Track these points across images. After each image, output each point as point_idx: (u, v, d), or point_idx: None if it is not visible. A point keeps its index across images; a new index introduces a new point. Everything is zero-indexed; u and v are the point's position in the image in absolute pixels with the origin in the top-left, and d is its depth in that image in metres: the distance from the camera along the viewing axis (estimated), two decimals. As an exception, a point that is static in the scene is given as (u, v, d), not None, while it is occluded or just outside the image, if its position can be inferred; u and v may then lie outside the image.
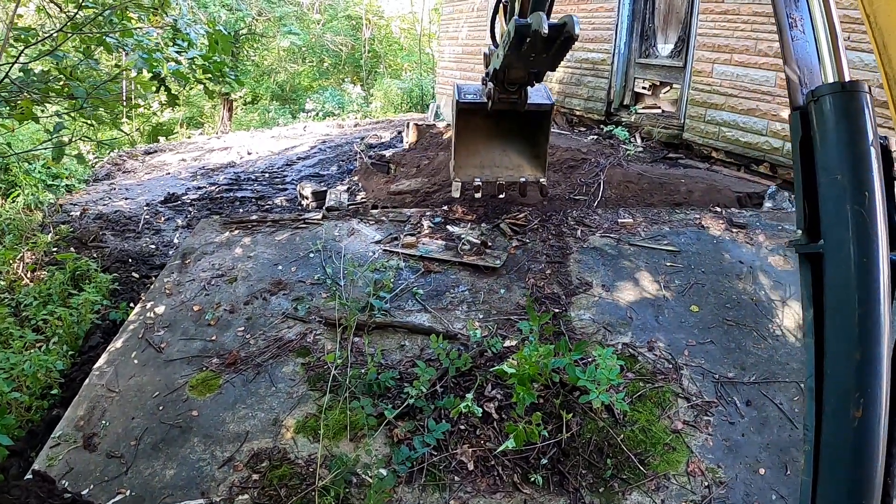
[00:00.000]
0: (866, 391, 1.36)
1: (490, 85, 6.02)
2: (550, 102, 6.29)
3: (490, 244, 5.61)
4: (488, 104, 6.13)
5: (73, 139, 5.03)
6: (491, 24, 5.90)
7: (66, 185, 10.17)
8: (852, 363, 1.39)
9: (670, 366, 4.32)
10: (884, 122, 1.51)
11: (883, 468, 1.37)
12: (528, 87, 6.04)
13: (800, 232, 1.62)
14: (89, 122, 4.71)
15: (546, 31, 4.48)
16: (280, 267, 5.39)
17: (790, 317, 4.74)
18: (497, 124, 6.72)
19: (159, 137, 21.23)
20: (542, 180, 6.42)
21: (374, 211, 6.46)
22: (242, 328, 4.73)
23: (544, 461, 3.65)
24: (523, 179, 6.39)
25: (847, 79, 1.60)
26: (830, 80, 1.63)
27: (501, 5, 5.65)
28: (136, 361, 4.47)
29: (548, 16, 4.70)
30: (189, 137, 19.15)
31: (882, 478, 1.37)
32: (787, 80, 1.73)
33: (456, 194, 6.41)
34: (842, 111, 1.51)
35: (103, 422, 4.00)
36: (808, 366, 1.53)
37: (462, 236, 5.68)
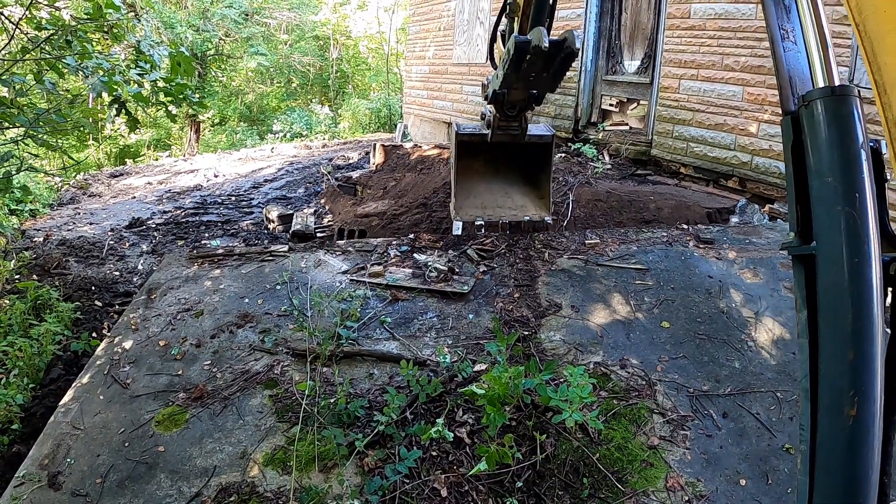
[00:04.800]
0: (860, 389, 1.38)
1: (489, 114, 6.03)
2: (551, 134, 6.30)
3: (457, 270, 5.58)
4: (488, 135, 6.12)
5: (21, 169, 4.90)
6: (489, 48, 5.93)
7: (30, 210, 9.97)
8: (846, 362, 1.41)
9: (643, 382, 4.30)
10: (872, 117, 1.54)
11: (879, 466, 1.38)
12: (529, 123, 6.08)
13: (792, 234, 1.65)
14: (31, 151, 4.59)
15: (546, 46, 4.49)
16: (247, 300, 5.31)
17: (762, 328, 4.75)
18: (497, 160, 6.69)
19: (126, 160, 20.98)
20: (547, 219, 6.34)
21: (341, 242, 6.40)
22: (209, 362, 4.63)
23: (519, 484, 3.60)
24: (527, 218, 6.32)
25: (837, 83, 1.63)
26: (821, 85, 1.67)
27: (499, 33, 5.68)
28: (101, 398, 4.35)
29: (548, 33, 4.71)
30: (156, 160, 18.96)
31: (878, 476, 1.38)
32: (779, 86, 1.76)
33: (458, 232, 6.34)
34: (832, 115, 1.55)
35: (68, 460, 3.88)
36: (802, 366, 1.55)
37: (429, 263, 5.64)
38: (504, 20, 5.56)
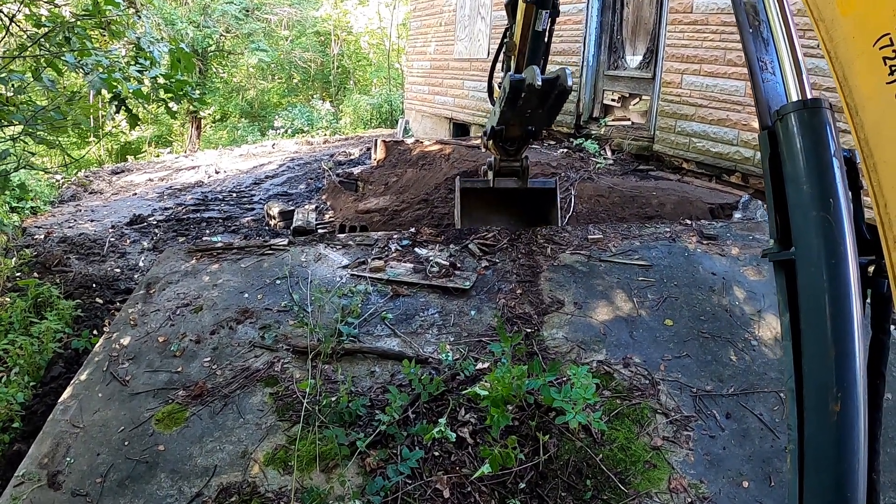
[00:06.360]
0: (843, 385, 1.43)
1: (489, 160, 6.16)
2: (554, 180, 6.52)
3: (459, 265, 5.53)
4: (490, 181, 6.25)
5: (20, 166, 4.88)
6: (489, 87, 6.05)
7: (31, 207, 9.96)
8: (828, 360, 1.47)
9: (647, 381, 4.27)
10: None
11: (867, 461, 1.42)
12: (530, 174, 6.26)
13: (773, 241, 1.72)
14: (28, 149, 4.57)
15: (539, 84, 4.62)
16: (246, 295, 5.26)
17: (766, 326, 4.72)
18: (501, 207, 6.75)
19: (127, 157, 20.97)
20: None
21: (341, 235, 6.37)
22: (209, 359, 4.59)
23: (522, 485, 3.57)
24: None
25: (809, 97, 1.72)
26: (794, 99, 1.75)
27: (496, 82, 5.80)
28: (100, 395, 4.32)
29: (542, 71, 4.82)
30: (157, 156, 18.97)
31: (867, 472, 1.41)
32: (757, 107, 1.87)
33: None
34: (805, 126, 1.63)
35: (68, 459, 3.85)
36: (786, 367, 1.61)
37: (430, 258, 5.60)
38: (502, 59, 5.74)
